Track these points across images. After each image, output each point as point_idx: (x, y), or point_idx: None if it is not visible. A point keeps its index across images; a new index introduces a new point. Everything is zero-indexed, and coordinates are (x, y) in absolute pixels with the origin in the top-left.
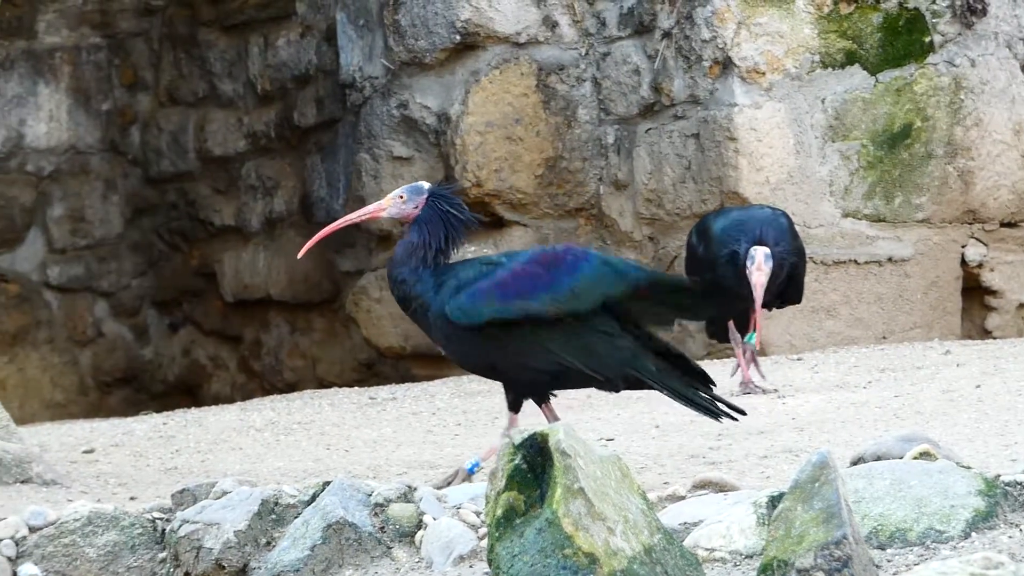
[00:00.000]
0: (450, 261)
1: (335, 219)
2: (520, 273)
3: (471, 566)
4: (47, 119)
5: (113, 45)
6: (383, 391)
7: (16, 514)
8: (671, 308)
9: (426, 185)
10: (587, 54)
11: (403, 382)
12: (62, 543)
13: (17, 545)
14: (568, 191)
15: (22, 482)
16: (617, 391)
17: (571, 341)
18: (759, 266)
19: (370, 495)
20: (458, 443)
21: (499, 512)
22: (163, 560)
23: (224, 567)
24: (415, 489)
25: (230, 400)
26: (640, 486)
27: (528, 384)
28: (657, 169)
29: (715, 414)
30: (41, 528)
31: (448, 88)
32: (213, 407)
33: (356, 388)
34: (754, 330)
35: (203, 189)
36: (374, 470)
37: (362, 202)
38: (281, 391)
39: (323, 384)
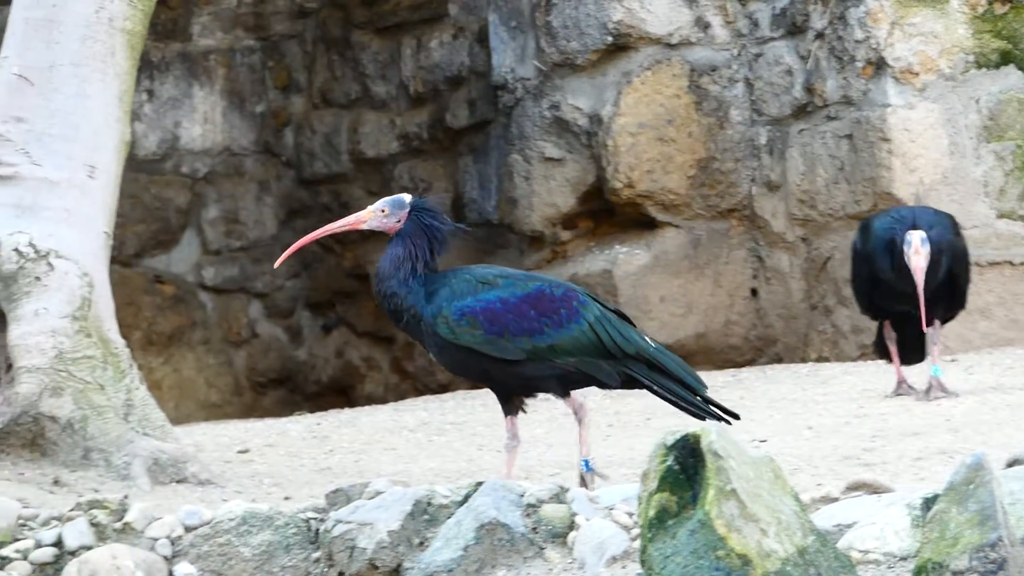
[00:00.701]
0: (434, 268)
1: (487, 220)
2: (511, 308)
3: (624, 567)
4: (202, 121)
5: (267, 47)
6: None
7: (172, 513)
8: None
9: (408, 198)
10: (739, 55)
11: None
12: (217, 542)
13: (173, 544)
14: (720, 192)
15: (178, 482)
16: (613, 388)
17: (565, 360)
18: (916, 249)
19: (522, 496)
20: (609, 444)
21: (651, 513)
22: (317, 560)
23: (378, 567)
24: (567, 490)
25: (383, 401)
26: (793, 487)
27: (527, 392)
28: (810, 170)
29: (702, 415)
30: (196, 527)
31: (600, 89)
32: (366, 407)
33: None
34: (928, 324)
35: (356, 191)
36: (526, 471)
37: (514, 204)
38: (434, 392)
39: (476, 385)
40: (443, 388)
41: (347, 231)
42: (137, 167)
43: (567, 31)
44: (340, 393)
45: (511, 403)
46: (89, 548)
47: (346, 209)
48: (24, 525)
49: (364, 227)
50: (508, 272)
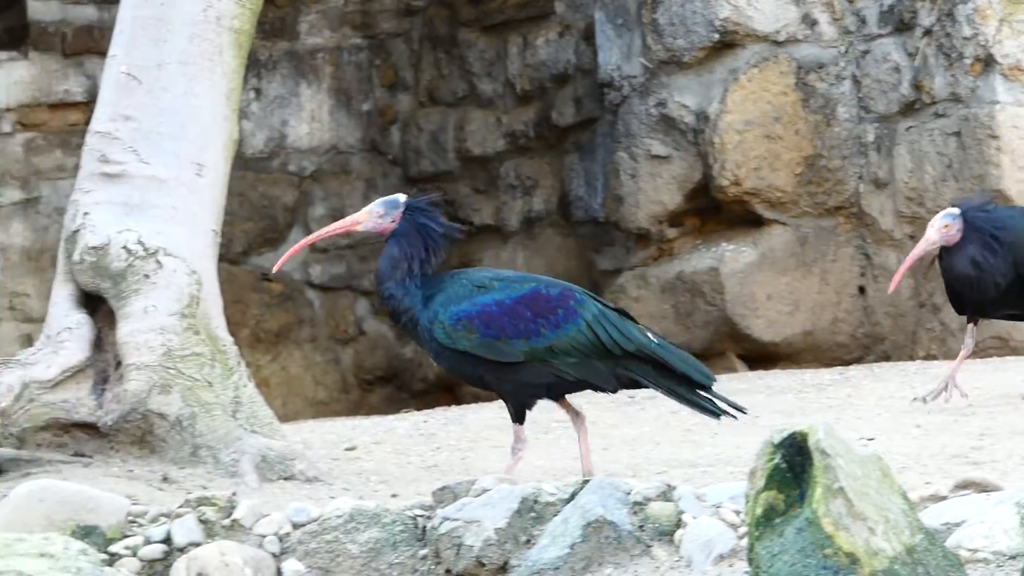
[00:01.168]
0: (433, 271)
1: (594, 218)
2: (507, 310)
3: (731, 565)
4: (309, 119)
5: (374, 46)
6: (642, 390)
7: (280, 511)
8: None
9: (402, 198)
10: (847, 52)
11: None
12: (325, 539)
13: (281, 541)
14: (827, 190)
15: (285, 479)
16: (614, 392)
17: (564, 360)
18: (932, 223)
19: (629, 494)
20: (717, 442)
21: (759, 511)
22: (424, 557)
23: (484, 564)
24: (674, 488)
25: (490, 399)
26: (901, 486)
27: (522, 395)
28: (918, 167)
29: (714, 413)
30: (304, 525)
31: (706, 87)
32: (473, 405)
33: None
34: (972, 321)
35: (462, 188)
36: (633, 469)
37: (620, 201)
38: None
39: None
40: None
41: (341, 232)
42: (245, 165)
43: (674, 28)
44: (446, 390)
45: (519, 410)
46: (198, 545)
47: (452, 207)
48: (133, 522)
49: (360, 229)
50: (504, 274)
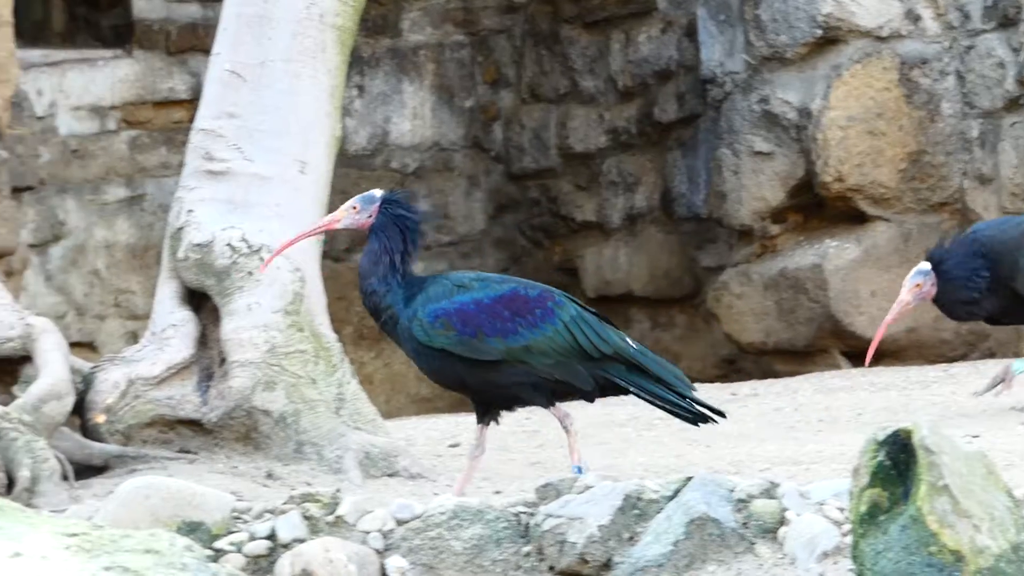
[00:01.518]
0: (413, 264)
1: (696, 214)
2: (485, 309)
3: (835, 563)
4: (411, 116)
5: (476, 42)
6: (745, 387)
7: (383, 507)
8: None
9: (378, 193)
10: (950, 48)
11: (764, 378)
12: (428, 536)
13: (384, 538)
14: (931, 186)
15: (389, 475)
16: (592, 400)
17: (542, 361)
18: (905, 282)
19: (732, 491)
20: (820, 439)
21: (863, 509)
22: (527, 554)
23: (588, 561)
24: (778, 485)
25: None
26: (1006, 483)
27: (499, 399)
28: (1023, 163)
29: (692, 418)
30: (408, 521)
31: (809, 83)
32: (576, 402)
33: (717, 384)
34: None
35: (564, 185)
36: (736, 466)
37: (723, 198)
38: None
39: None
40: None
41: (321, 230)
42: (348, 162)
43: (776, 24)
44: None
45: (486, 412)
46: (302, 541)
47: (554, 204)
48: (238, 518)
49: (339, 226)
50: (484, 276)
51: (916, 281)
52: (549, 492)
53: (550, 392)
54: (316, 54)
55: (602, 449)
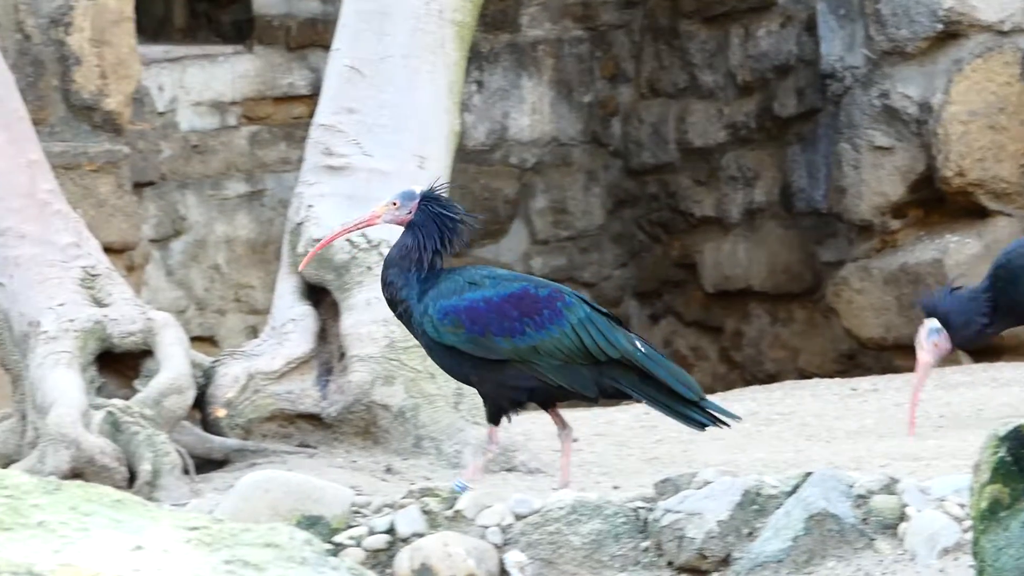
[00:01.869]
0: (443, 263)
1: (816, 209)
2: (493, 308)
3: (956, 559)
4: (530, 112)
5: (595, 37)
6: (864, 382)
7: (502, 502)
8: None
9: (418, 190)
10: None
11: (884, 373)
12: (547, 531)
13: (503, 532)
14: None
15: (507, 470)
16: (595, 402)
17: (548, 362)
18: (920, 343)
19: (852, 486)
20: (941, 435)
21: (983, 505)
22: (646, 549)
23: (706, 557)
24: (898, 481)
25: (711, 390)
26: None
27: (502, 397)
28: None
29: (699, 423)
30: (526, 516)
31: (929, 77)
32: None
33: (837, 379)
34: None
35: (683, 180)
36: (856, 461)
37: (843, 193)
38: (762, 382)
39: (804, 375)
40: (771, 378)
41: (363, 227)
42: (466, 158)
43: (896, 19)
44: None
45: (496, 412)
46: (421, 535)
47: (673, 199)
48: (357, 512)
49: (379, 222)
50: (497, 272)
51: (933, 341)
52: (668, 487)
53: (552, 394)
54: (435, 50)
55: (720, 444)
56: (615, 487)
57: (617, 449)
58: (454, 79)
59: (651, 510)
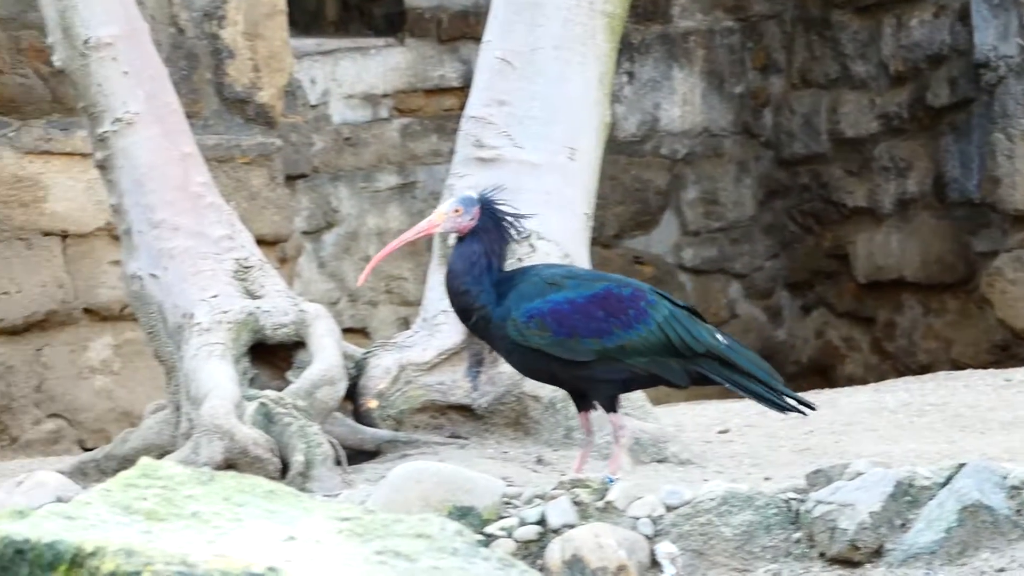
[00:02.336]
0: (505, 267)
1: (969, 199)
2: (579, 309)
3: None
4: (681, 103)
5: (746, 28)
6: (1019, 373)
7: (653, 493)
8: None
9: (475, 195)
10: None
11: None
12: (698, 522)
13: (654, 524)
14: None
15: (658, 461)
16: (686, 387)
17: (636, 360)
18: None
19: (1005, 478)
20: None
21: None
22: (797, 540)
23: (859, 548)
24: None
25: (863, 381)
26: None
27: (592, 391)
28: None
29: (780, 407)
30: (677, 507)
31: None
32: (846, 388)
33: (991, 370)
34: None
35: (835, 171)
36: (1009, 452)
37: (997, 182)
38: (914, 373)
39: (957, 366)
40: (924, 369)
41: (421, 237)
42: (617, 149)
43: None
44: (819, 373)
45: (584, 399)
46: (571, 527)
47: (825, 189)
48: (508, 503)
49: (439, 230)
50: (575, 272)
51: None
52: (819, 478)
53: (642, 384)
54: (586, 41)
55: (872, 436)
56: (766, 478)
57: (768, 440)
58: (605, 70)
59: (803, 501)
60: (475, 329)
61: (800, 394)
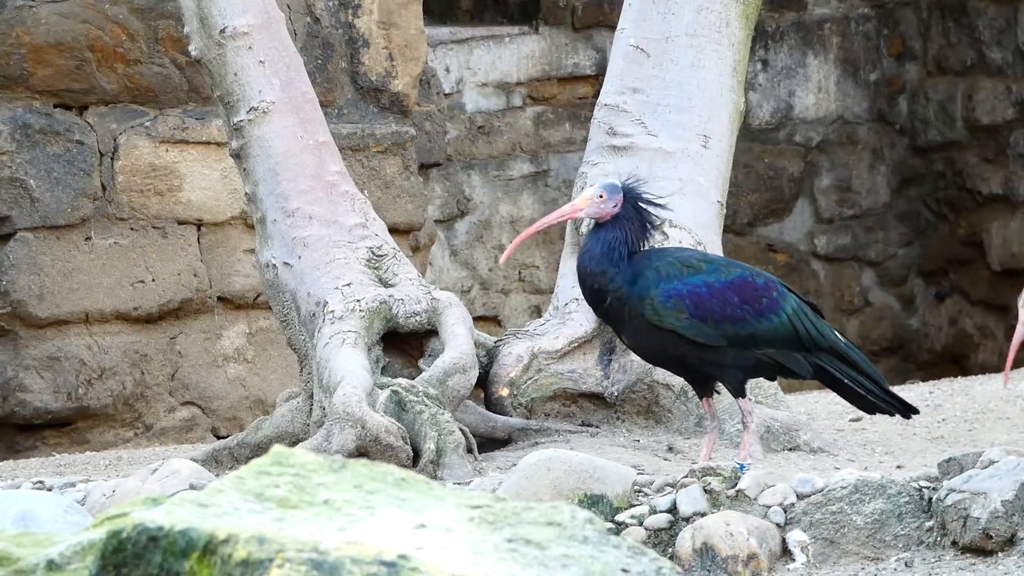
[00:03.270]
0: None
1: None
2: (716, 293)
3: None
4: (815, 90)
5: (881, 15)
6: None
7: (784, 481)
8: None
9: (618, 182)
10: None
11: None
12: (829, 510)
13: (785, 512)
14: None
15: (789, 449)
16: (810, 378)
17: (765, 349)
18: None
19: None
20: None
21: None
22: (929, 529)
23: (991, 536)
24: None
25: (997, 370)
26: None
27: (717, 376)
28: None
29: (893, 411)
30: (808, 495)
31: None
32: (980, 376)
33: None
34: None
35: (970, 158)
36: None
37: None
38: None
39: None
40: None
41: (564, 220)
42: (751, 136)
43: None
44: (953, 361)
45: (706, 386)
46: (702, 515)
47: (960, 177)
48: (639, 491)
49: (581, 215)
50: (709, 256)
51: None
52: (952, 467)
53: (767, 373)
54: (720, 28)
55: (1006, 424)
56: (898, 467)
57: (901, 428)
58: (739, 58)
59: (935, 489)
60: (608, 313)
61: (923, 385)
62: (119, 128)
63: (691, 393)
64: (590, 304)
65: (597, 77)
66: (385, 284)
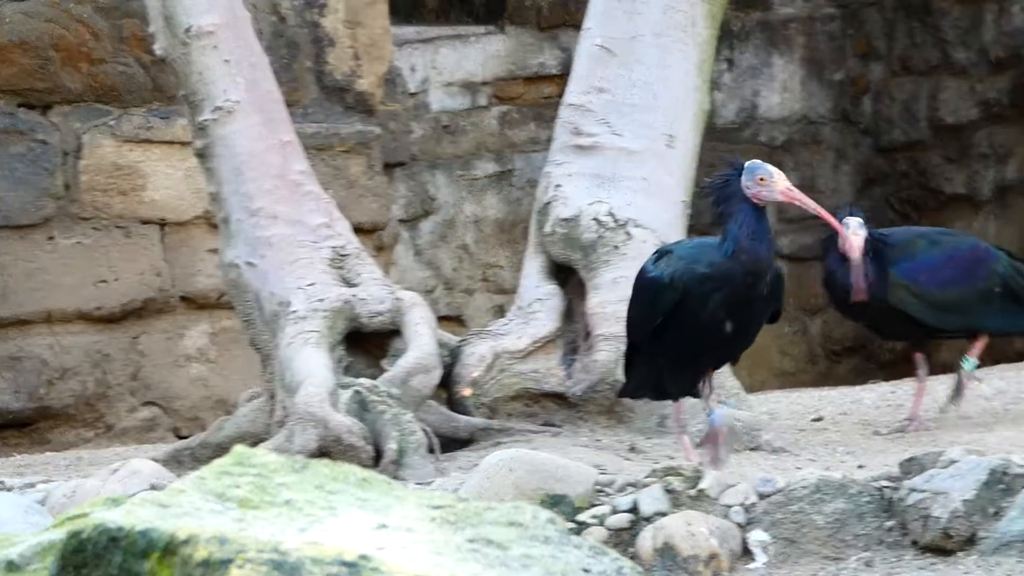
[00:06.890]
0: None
1: None
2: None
3: None
4: (780, 89)
5: (846, 15)
6: None
7: (746, 481)
8: None
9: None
10: None
11: None
12: (790, 510)
13: (746, 512)
14: None
15: (751, 449)
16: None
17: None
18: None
19: None
20: None
21: None
22: (890, 528)
23: (951, 536)
24: None
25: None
26: None
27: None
28: None
29: None
30: (770, 495)
31: None
32: (941, 376)
33: None
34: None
35: (934, 158)
36: None
37: None
38: (1010, 360)
39: None
40: (1020, 356)
41: None
42: (716, 136)
43: None
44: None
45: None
46: (664, 515)
47: (923, 176)
48: (601, 491)
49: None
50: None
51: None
52: (913, 467)
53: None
54: (686, 28)
55: (967, 423)
56: (860, 466)
57: (862, 428)
58: (704, 57)
59: (896, 489)
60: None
61: (885, 385)
62: (83, 127)
63: None
64: (752, 280)
65: (563, 77)
66: (349, 284)
